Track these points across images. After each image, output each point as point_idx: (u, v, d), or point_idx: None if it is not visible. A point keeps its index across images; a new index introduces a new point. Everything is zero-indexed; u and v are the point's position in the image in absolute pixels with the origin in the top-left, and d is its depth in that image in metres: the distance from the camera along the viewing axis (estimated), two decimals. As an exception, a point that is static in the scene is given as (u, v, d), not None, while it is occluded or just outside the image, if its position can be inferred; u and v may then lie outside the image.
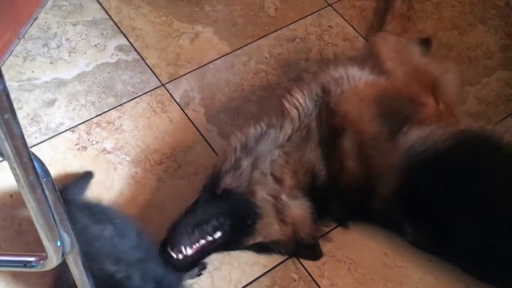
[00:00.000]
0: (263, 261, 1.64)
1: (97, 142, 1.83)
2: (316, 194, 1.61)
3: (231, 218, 1.53)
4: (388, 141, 1.55)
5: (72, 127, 1.86)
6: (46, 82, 1.95)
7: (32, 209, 0.85)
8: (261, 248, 1.62)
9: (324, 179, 1.60)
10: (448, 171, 1.53)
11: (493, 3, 2.24)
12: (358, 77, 1.66)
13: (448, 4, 2.23)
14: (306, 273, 1.64)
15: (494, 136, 1.57)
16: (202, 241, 1.50)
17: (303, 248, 1.62)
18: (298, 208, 1.59)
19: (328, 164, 1.59)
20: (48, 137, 1.83)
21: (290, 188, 1.58)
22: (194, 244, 1.49)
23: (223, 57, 2.05)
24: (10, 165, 0.78)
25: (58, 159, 1.79)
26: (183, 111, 1.91)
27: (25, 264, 0.99)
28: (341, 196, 1.62)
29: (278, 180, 1.58)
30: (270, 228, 1.57)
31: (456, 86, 1.79)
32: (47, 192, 0.84)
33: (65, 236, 0.96)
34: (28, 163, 0.77)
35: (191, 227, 1.50)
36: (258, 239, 1.59)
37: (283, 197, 1.57)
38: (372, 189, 1.57)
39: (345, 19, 2.16)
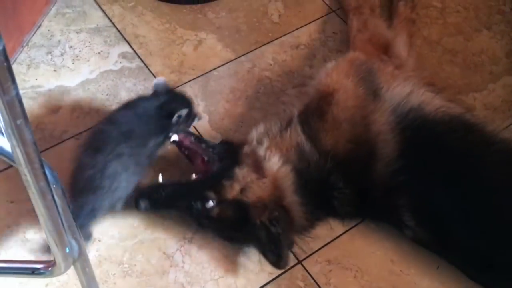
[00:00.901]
0: (269, 269, 1.62)
1: (101, 149, 1.82)
2: (310, 177, 1.62)
3: (222, 152, 1.68)
4: (375, 101, 1.65)
5: (76, 135, 1.84)
6: (50, 89, 1.94)
7: (41, 215, 0.84)
8: (241, 223, 1.59)
9: (316, 160, 1.61)
10: (439, 152, 1.59)
11: (498, 8, 2.24)
12: (330, 63, 1.81)
13: (452, 10, 2.23)
14: (312, 281, 1.62)
15: (488, 130, 1.63)
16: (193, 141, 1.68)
17: (269, 241, 1.55)
18: (277, 165, 1.62)
19: (317, 142, 1.62)
20: (52, 144, 1.82)
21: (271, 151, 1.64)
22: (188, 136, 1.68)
23: (227, 64, 2.04)
24: (21, 171, 0.77)
25: (63, 167, 1.76)
26: (188, 118, 1.90)
27: (33, 271, 0.98)
28: (343, 169, 1.61)
29: (260, 143, 1.68)
30: (248, 176, 1.61)
31: (404, 47, 1.96)
32: (56, 199, 0.83)
33: (73, 242, 0.95)
34: (39, 170, 0.76)
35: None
36: (236, 187, 1.59)
37: (262, 151, 1.64)
38: (373, 153, 1.60)
39: (350, 17, 2.14)
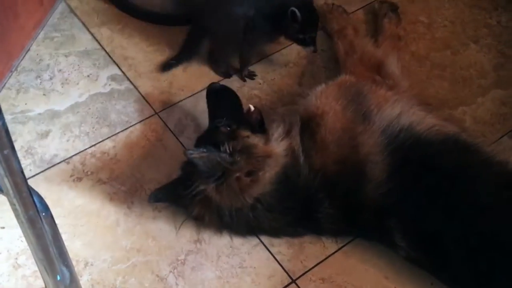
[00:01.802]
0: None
1: (92, 172, 1.81)
2: (295, 186, 1.63)
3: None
4: (365, 123, 1.65)
5: (66, 159, 1.84)
6: (39, 114, 1.94)
7: (31, 244, 0.83)
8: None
9: (306, 173, 1.62)
10: (434, 174, 1.57)
11: (485, 22, 2.25)
12: (320, 86, 1.81)
13: (439, 25, 2.25)
14: (308, 299, 1.61)
15: (485, 152, 1.61)
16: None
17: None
18: (280, 148, 1.66)
19: (309, 158, 1.63)
20: (42, 169, 1.81)
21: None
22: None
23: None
24: (9, 200, 0.76)
25: (53, 191, 1.77)
26: (178, 139, 1.90)
27: (24, 300, 0.96)
28: (330, 189, 1.61)
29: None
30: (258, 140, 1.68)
31: (397, 65, 1.96)
32: (46, 227, 0.82)
33: (64, 270, 0.94)
34: (27, 198, 0.76)
35: None
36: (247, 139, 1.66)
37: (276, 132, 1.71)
38: (362, 175, 1.59)
39: (335, 41, 2.15)
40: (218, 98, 1.80)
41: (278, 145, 1.66)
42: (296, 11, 1.81)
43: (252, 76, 2.06)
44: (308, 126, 1.68)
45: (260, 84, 2.06)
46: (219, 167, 1.58)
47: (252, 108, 1.79)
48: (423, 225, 1.56)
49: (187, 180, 1.63)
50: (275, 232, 1.69)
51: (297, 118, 1.73)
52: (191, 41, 2.06)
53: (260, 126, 1.76)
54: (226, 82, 2.04)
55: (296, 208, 1.64)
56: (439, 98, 2.02)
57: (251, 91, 2.03)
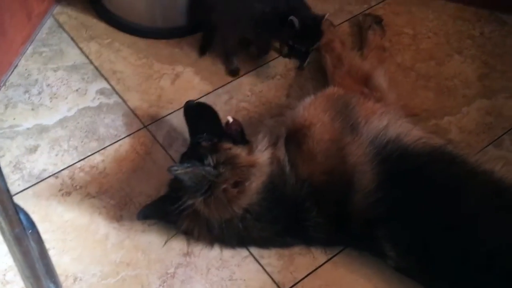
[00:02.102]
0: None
1: (81, 187, 1.81)
2: (283, 195, 1.64)
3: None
4: (353, 134, 1.66)
5: (55, 173, 1.84)
6: (28, 128, 1.94)
7: (17, 261, 0.84)
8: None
9: (293, 183, 1.63)
10: (419, 184, 1.58)
11: (468, 33, 2.29)
12: (308, 97, 1.81)
13: (424, 36, 2.27)
14: (297, 310, 1.62)
15: (471, 162, 1.62)
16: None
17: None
18: (264, 157, 1.67)
19: (295, 168, 1.64)
20: (31, 184, 1.81)
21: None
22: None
23: (204, 96, 2.06)
24: (-6, 218, 0.76)
25: (42, 205, 1.77)
26: (167, 152, 1.91)
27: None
28: (318, 198, 1.62)
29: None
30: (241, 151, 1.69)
31: (384, 78, 1.95)
32: (32, 244, 0.83)
33: (52, 287, 0.94)
34: (13, 216, 0.76)
35: None
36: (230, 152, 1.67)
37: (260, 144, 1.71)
38: (350, 185, 1.60)
39: (322, 54, 2.18)
40: (196, 115, 1.82)
41: (261, 155, 1.68)
42: (295, 21, 1.84)
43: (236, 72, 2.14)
44: (295, 136, 1.70)
45: (248, 96, 2.07)
46: (204, 181, 1.58)
47: (231, 119, 1.81)
48: (412, 235, 1.57)
49: (175, 195, 1.63)
50: (264, 242, 1.70)
51: (283, 129, 1.75)
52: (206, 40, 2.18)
53: (241, 137, 1.78)
54: (214, 96, 2.06)
55: (284, 217, 1.65)
56: (424, 109, 2.05)
57: (239, 104, 2.05)
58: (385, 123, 1.68)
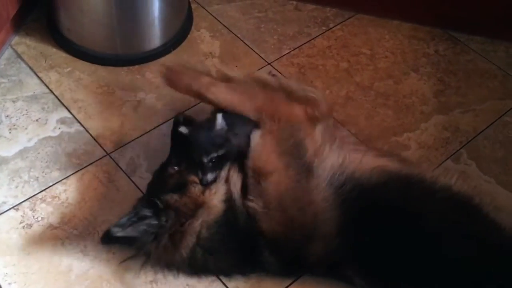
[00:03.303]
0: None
1: (42, 218, 1.78)
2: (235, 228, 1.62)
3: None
4: (308, 178, 1.61)
5: (15, 205, 1.81)
6: (-14, 161, 1.91)
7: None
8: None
9: (245, 219, 1.62)
10: (381, 215, 1.57)
11: (423, 51, 2.35)
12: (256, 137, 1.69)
13: (381, 55, 2.33)
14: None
15: (427, 180, 1.64)
16: None
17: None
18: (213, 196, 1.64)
19: (248, 207, 1.61)
20: (-10, 217, 1.78)
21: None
22: None
23: (168, 122, 2.05)
24: None
25: (2, 239, 1.73)
26: (130, 179, 1.90)
27: None
28: (273, 245, 1.60)
29: None
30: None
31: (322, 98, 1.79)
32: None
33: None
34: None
35: None
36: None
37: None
38: (310, 236, 1.58)
39: (285, 76, 2.21)
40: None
41: (213, 196, 1.64)
42: None
43: None
44: (248, 175, 1.64)
45: (210, 120, 2.08)
46: (148, 233, 1.60)
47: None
48: (380, 264, 1.57)
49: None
50: (223, 272, 1.69)
51: (241, 166, 1.68)
52: None
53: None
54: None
55: (238, 250, 1.63)
56: (385, 126, 2.09)
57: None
58: (340, 160, 1.63)
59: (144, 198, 1.73)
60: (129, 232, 1.59)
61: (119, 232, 1.59)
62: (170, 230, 1.60)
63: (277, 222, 1.59)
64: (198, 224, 1.60)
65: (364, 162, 1.65)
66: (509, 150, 2.05)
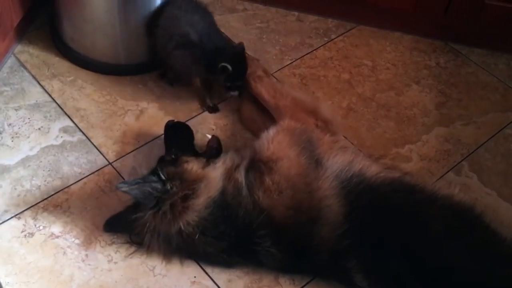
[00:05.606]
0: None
1: (44, 227, 1.78)
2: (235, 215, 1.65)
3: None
4: (318, 168, 1.69)
5: (17, 214, 1.81)
6: (-12, 169, 1.91)
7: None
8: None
9: (249, 208, 1.64)
10: (387, 213, 1.62)
11: (424, 63, 2.36)
12: (270, 130, 1.82)
13: (383, 67, 2.34)
14: None
15: (429, 190, 1.67)
16: None
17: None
18: (216, 172, 1.71)
19: (254, 195, 1.65)
20: (-8, 226, 1.78)
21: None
22: None
23: (169, 132, 2.06)
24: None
25: (4, 248, 1.73)
26: (133, 188, 1.90)
27: None
28: (276, 231, 1.62)
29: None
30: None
31: (331, 110, 2.03)
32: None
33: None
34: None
35: None
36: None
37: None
38: (317, 219, 1.61)
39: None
40: (172, 133, 1.91)
41: (213, 171, 1.71)
42: (227, 66, 1.94)
43: (215, 109, 2.16)
44: (259, 166, 1.70)
45: (213, 130, 2.09)
46: (151, 196, 1.63)
47: (209, 136, 1.89)
48: (382, 264, 1.58)
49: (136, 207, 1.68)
50: (209, 258, 1.70)
51: (248, 153, 1.78)
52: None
53: (217, 154, 1.82)
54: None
55: (232, 236, 1.65)
56: (386, 138, 2.10)
57: (204, 138, 2.05)
58: (349, 158, 1.72)
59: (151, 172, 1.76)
60: (133, 190, 1.62)
61: (123, 188, 1.62)
62: (172, 198, 1.64)
63: (287, 207, 1.63)
64: (200, 202, 1.64)
65: (373, 166, 1.71)
66: (511, 162, 2.06)
